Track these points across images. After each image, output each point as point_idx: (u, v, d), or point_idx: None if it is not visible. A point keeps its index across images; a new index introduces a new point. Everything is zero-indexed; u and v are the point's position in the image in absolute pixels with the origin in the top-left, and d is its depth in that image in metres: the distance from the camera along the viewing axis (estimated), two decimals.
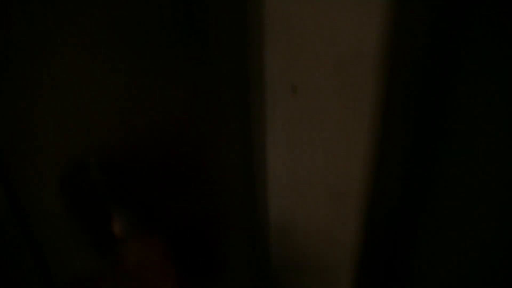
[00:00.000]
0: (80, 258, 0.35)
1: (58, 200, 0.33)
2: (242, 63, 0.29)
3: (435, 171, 0.38)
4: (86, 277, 0.32)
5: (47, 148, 0.31)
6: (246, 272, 0.41)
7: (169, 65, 0.28)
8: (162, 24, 0.27)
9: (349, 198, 0.40)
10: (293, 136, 0.36)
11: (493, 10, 0.32)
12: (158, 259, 0.33)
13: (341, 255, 0.45)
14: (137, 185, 0.31)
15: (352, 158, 0.37)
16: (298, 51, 0.32)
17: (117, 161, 0.30)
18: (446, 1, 0.33)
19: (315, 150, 0.37)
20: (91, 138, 0.30)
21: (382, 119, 0.35)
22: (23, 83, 0.28)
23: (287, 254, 0.46)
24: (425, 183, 0.39)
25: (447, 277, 0.41)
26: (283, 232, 0.44)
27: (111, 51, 0.28)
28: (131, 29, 0.27)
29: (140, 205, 0.32)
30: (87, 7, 0.27)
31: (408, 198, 0.41)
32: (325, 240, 0.44)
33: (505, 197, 0.36)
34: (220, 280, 0.38)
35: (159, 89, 0.28)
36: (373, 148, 0.36)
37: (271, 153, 0.37)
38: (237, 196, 0.34)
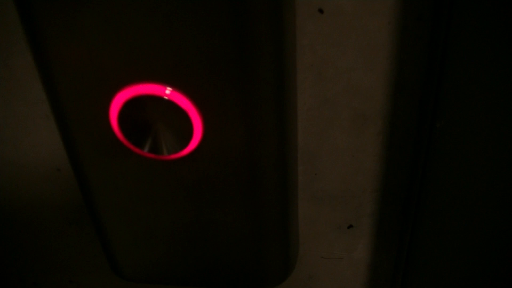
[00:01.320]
0: None
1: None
2: None
3: None
4: None
5: None
6: (276, 199, 0.43)
7: None
8: None
9: (372, 121, 0.43)
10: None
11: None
12: None
13: (364, 181, 0.48)
14: None
15: (374, 78, 0.41)
16: None
17: None
18: None
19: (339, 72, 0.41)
20: None
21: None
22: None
23: (312, 184, 0.49)
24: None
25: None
26: (309, 159, 0.47)
27: None
28: None
29: None
30: None
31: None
32: (349, 166, 0.47)
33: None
34: (249, 207, 0.41)
35: None
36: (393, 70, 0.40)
37: (299, 75, 0.41)
38: (269, 123, 0.37)
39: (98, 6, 0.30)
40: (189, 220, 0.42)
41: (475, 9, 0.35)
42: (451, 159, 0.43)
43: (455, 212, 0.45)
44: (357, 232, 0.52)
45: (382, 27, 0.38)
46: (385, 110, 0.43)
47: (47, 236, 0.57)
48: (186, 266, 0.47)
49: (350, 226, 0.52)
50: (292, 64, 0.38)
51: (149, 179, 0.38)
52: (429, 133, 0.43)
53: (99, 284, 0.63)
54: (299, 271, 0.57)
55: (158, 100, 0.33)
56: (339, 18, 0.37)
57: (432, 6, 0.37)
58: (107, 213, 0.42)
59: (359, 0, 0.36)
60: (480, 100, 0.39)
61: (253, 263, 0.47)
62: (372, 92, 0.42)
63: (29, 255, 0.60)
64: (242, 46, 0.32)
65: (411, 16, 0.37)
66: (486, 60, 0.36)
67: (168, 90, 0.33)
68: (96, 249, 0.57)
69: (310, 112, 0.43)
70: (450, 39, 0.37)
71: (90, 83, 0.33)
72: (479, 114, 0.39)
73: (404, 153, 0.46)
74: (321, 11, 0.37)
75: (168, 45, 0.31)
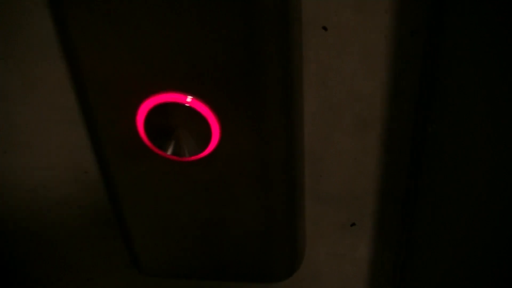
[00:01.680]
0: None
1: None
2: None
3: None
4: None
5: None
6: (284, 198, 0.45)
7: None
8: None
9: (372, 125, 0.46)
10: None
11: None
12: None
13: (366, 182, 0.50)
14: None
15: (374, 86, 0.44)
16: None
17: None
18: None
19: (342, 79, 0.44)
20: None
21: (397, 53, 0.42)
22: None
23: (317, 185, 0.52)
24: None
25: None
26: (314, 162, 0.51)
27: None
28: None
29: None
30: None
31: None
32: (351, 168, 0.50)
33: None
34: (256, 207, 0.44)
35: None
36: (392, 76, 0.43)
37: (305, 83, 0.44)
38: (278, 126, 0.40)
39: (129, 26, 0.34)
40: (204, 218, 0.45)
41: (464, 24, 0.38)
42: (446, 161, 0.45)
43: (452, 211, 0.46)
44: (359, 231, 0.54)
45: (380, 40, 0.42)
46: (385, 115, 0.46)
47: (69, 235, 0.60)
48: (200, 260, 0.50)
49: (353, 224, 0.54)
50: (299, 74, 0.41)
51: (170, 178, 0.42)
52: (425, 137, 0.46)
53: (117, 281, 0.65)
54: (303, 268, 0.59)
55: (180, 107, 0.36)
56: (342, 33, 0.41)
57: (425, 22, 0.40)
58: (131, 211, 0.45)
59: (358, 17, 0.40)
60: (471, 105, 0.41)
61: (262, 258, 0.50)
62: (372, 98, 0.45)
63: (50, 253, 0.63)
64: (255, 60, 0.35)
65: (405, 31, 0.41)
66: (475, 69, 0.39)
67: (189, 98, 0.36)
68: (115, 248, 0.60)
69: (315, 117, 0.46)
70: (442, 51, 0.40)
71: (119, 92, 0.37)
72: (470, 118, 0.41)
73: (403, 156, 0.48)
74: (325, 28, 0.40)
75: (189, 59, 0.35)
